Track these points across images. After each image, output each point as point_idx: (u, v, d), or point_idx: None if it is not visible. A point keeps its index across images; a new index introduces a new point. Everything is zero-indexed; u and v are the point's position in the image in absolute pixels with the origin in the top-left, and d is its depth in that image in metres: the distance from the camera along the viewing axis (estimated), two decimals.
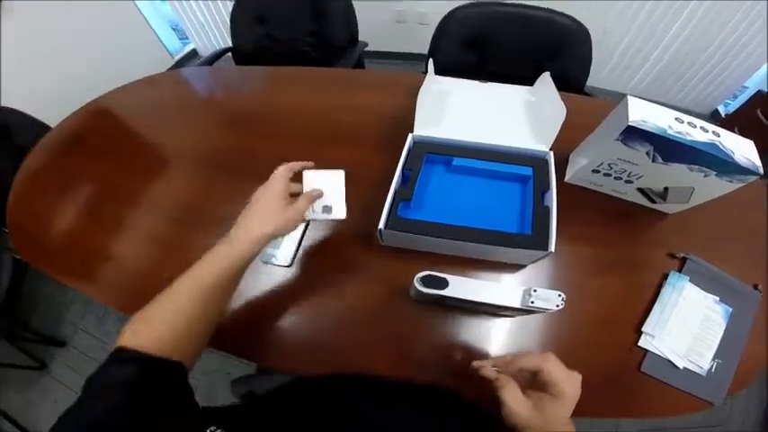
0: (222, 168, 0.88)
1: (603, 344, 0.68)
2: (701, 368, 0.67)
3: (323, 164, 0.78)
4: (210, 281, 0.49)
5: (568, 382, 0.42)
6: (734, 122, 2.11)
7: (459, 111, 0.84)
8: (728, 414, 1.61)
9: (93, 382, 0.38)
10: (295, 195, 0.59)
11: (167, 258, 0.75)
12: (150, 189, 0.86)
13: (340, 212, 0.62)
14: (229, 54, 1.62)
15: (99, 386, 0.37)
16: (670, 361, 0.67)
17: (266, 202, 0.55)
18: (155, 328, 0.44)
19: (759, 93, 2.02)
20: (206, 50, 2.94)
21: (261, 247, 0.53)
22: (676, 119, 0.62)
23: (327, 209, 0.61)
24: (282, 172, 0.58)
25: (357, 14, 1.52)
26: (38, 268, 0.79)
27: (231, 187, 0.84)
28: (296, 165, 0.59)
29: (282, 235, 0.56)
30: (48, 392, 1.63)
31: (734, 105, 2.43)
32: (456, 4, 1.21)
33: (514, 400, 0.41)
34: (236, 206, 0.74)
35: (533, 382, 0.43)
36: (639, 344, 0.67)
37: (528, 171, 0.73)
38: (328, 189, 0.61)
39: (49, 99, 1.57)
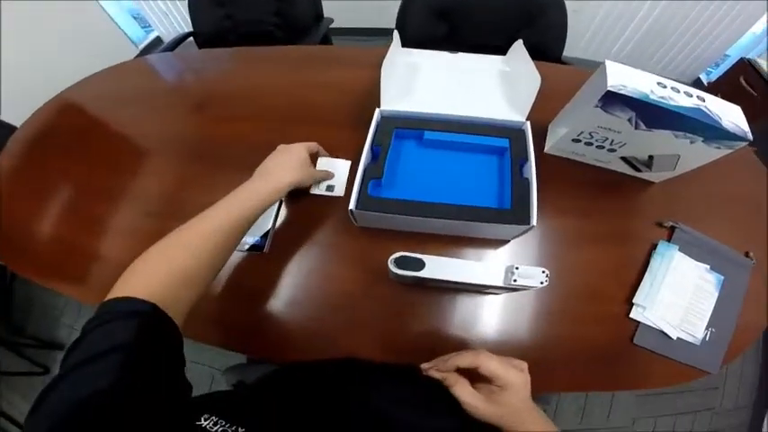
0: (196, 155, 0.86)
1: (594, 317, 0.68)
2: (695, 338, 0.67)
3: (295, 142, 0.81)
4: (228, 225, 0.51)
5: (509, 372, 0.43)
6: (717, 90, 2.14)
7: (429, 83, 0.81)
8: (724, 377, 1.68)
9: (94, 336, 0.35)
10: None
11: None
12: (126, 183, 0.84)
13: (339, 192, 0.76)
14: (192, 39, 1.59)
15: (101, 347, 0.34)
16: (663, 332, 0.67)
17: (297, 153, 0.64)
18: (159, 270, 0.44)
19: (742, 60, 2.02)
20: (170, 37, 2.83)
21: (282, 195, 0.60)
22: (658, 83, 0.61)
23: (330, 188, 0.76)
24: (311, 143, 0.70)
25: None
26: (23, 275, 0.77)
27: (208, 174, 0.83)
28: (319, 147, 0.73)
29: (301, 186, 0.66)
30: None
31: (716, 73, 2.44)
32: None
33: (466, 395, 0.43)
34: (216, 193, 0.74)
35: (480, 376, 0.45)
36: (631, 316, 0.67)
37: (504, 143, 0.72)
38: (336, 173, 0.77)
39: (11, 97, 1.53)
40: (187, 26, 2.70)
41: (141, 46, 2.81)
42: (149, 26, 2.85)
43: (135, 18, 2.79)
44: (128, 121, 0.96)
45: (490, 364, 0.43)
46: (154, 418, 0.30)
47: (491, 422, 0.42)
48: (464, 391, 0.43)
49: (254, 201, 0.55)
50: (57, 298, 1.82)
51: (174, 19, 2.73)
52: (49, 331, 1.77)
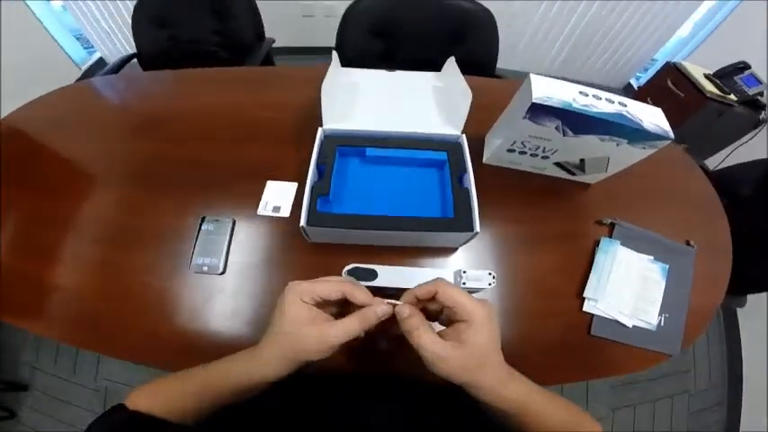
0: (141, 179, 0.86)
1: (549, 314, 0.71)
2: (650, 324, 0.72)
3: (242, 164, 0.87)
4: (221, 387, 0.44)
5: (470, 299, 0.40)
6: (647, 94, 2.30)
7: (368, 101, 0.86)
8: (693, 360, 1.78)
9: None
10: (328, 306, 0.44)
11: (102, 283, 0.73)
12: (74, 209, 0.82)
13: (285, 212, 0.78)
14: (136, 61, 1.60)
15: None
16: (618, 321, 0.71)
17: (287, 322, 0.41)
18: (157, 401, 0.44)
19: (668, 64, 2.21)
20: (113, 58, 2.81)
21: (265, 377, 0.43)
22: (580, 92, 0.67)
23: (277, 209, 0.79)
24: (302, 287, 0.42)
25: (263, 10, 1.56)
26: None
27: (155, 198, 0.82)
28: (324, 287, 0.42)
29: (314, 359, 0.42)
30: None
31: (645, 78, 2.66)
32: None
33: (430, 340, 0.39)
34: (164, 218, 0.79)
35: (443, 321, 0.43)
36: (584, 309, 0.71)
37: (443, 156, 0.76)
38: (282, 194, 0.80)
39: None
40: (130, 46, 2.65)
41: (84, 67, 2.77)
42: (92, 47, 2.82)
43: (77, 38, 2.76)
44: (73, 147, 0.95)
45: (450, 290, 0.41)
46: None
47: (455, 376, 0.39)
48: (428, 336, 0.39)
49: (238, 382, 0.43)
50: (13, 336, 1.76)
51: (117, 39, 2.72)
52: (10, 372, 1.70)
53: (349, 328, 0.40)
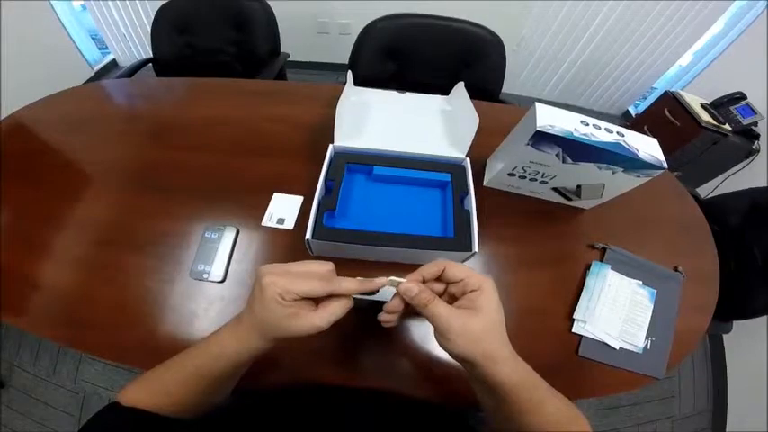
0: (149, 184, 0.87)
1: (539, 333, 0.73)
2: (637, 347, 0.73)
3: (249, 175, 0.88)
4: (203, 369, 0.45)
5: (479, 274, 0.42)
6: (644, 122, 2.34)
7: (378, 121, 0.88)
8: (678, 385, 1.77)
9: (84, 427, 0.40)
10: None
11: (100, 283, 0.72)
12: (75, 210, 0.82)
13: (290, 225, 0.79)
14: (150, 65, 1.61)
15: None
16: (605, 343, 0.72)
17: (264, 304, 0.41)
18: (150, 396, 0.45)
19: (666, 93, 2.24)
20: (126, 61, 2.90)
21: (255, 354, 0.44)
22: (582, 122, 0.69)
23: (281, 221, 0.80)
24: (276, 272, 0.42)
25: (279, 25, 1.58)
26: None
27: (160, 203, 0.83)
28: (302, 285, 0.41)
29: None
30: None
31: (643, 106, 2.70)
32: (378, 13, 1.29)
33: (447, 310, 0.39)
34: (167, 223, 0.79)
35: (452, 297, 0.43)
36: (573, 330, 0.73)
37: (446, 177, 0.79)
38: (287, 207, 0.81)
39: None
40: (144, 50, 2.78)
41: (96, 68, 2.78)
42: (106, 48, 2.86)
43: (93, 39, 2.80)
44: (81, 147, 0.95)
45: (456, 265, 0.42)
46: None
47: (474, 346, 0.39)
48: (441, 308, 0.39)
49: (223, 360, 0.44)
50: None
51: (132, 42, 2.75)
52: None
53: (333, 314, 0.42)
